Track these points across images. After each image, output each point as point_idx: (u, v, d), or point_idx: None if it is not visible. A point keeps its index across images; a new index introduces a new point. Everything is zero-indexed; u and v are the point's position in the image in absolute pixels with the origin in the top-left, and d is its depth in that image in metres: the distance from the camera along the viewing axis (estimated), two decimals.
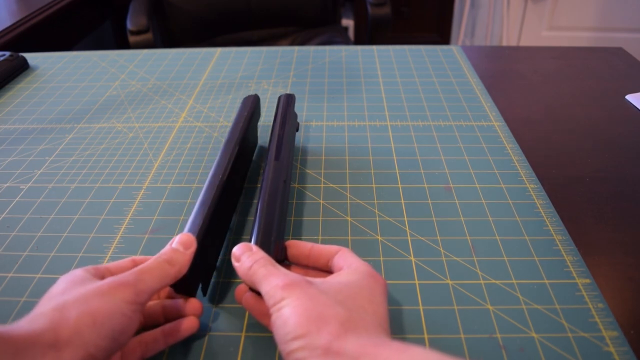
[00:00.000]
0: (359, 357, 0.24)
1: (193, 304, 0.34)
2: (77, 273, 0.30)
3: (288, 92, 0.68)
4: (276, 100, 0.66)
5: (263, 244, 0.34)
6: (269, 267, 0.31)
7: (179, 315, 0.34)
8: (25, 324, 0.26)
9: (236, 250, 0.33)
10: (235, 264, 0.32)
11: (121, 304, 0.28)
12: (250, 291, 0.34)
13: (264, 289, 0.29)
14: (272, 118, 0.51)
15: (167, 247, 0.33)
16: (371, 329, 0.26)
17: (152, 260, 0.32)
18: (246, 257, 0.32)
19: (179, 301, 0.34)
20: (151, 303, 0.34)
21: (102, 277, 0.31)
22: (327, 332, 0.25)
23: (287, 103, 0.52)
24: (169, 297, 0.35)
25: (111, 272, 0.32)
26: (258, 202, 0.39)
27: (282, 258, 0.36)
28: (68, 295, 0.28)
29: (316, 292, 0.28)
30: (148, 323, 0.34)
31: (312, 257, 0.35)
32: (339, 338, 0.25)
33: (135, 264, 0.34)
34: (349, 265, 0.32)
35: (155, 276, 0.30)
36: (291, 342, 0.26)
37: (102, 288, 0.28)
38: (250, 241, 0.35)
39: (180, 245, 0.33)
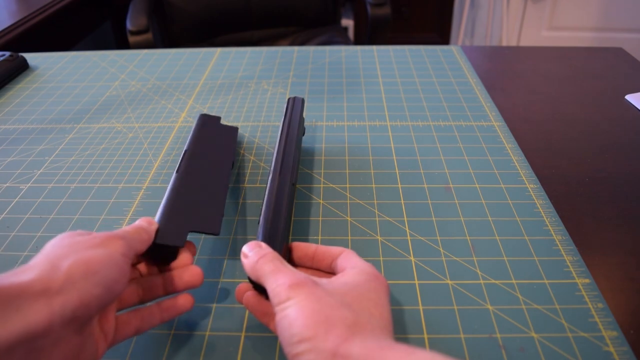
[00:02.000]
0: None
1: (192, 270, 0.35)
2: (67, 233, 0.31)
3: (288, 92, 0.68)
4: (276, 101, 0.66)
5: (270, 245, 0.34)
6: (276, 262, 0.31)
7: (179, 285, 0.34)
8: (12, 276, 0.25)
9: (245, 247, 0.33)
10: (243, 260, 0.32)
11: (114, 254, 0.29)
12: (252, 290, 0.34)
13: (270, 285, 0.29)
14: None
15: (134, 223, 0.35)
16: (377, 331, 0.26)
17: (127, 227, 0.33)
18: (254, 252, 0.32)
19: (179, 270, 0.35)
20: (150, 276, 0.35)
21: None
22: (335, 336, 0.25)
23: (297, 106, 0.52)
24: (170, 269, 0.35)
25: None
26: (263, 203, 0.39)
27: (287, 260, 0.36)
28: (58, 248, 0.28)
29: (323, 293, 0.28)
30: (147, 297, 0.34)
31: (316, 259, 0.35)
32: (346, 341, 0.25)
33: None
34: (352, 266, 0.32)
35: (136, 238, 0.32)
36: (297, 345, 0.25)
37: (95, 240, 0.29)
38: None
39: (144, 222, 0.35)
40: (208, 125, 0.52)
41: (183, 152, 0.45)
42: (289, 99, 0.53)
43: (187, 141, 0.48)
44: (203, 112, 0.60)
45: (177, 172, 0.42)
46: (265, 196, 0.39)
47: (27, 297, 0.24)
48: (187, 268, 0.35)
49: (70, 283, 0.26)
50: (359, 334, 0.25)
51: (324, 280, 0.30)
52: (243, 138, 0.57)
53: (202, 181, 0.42)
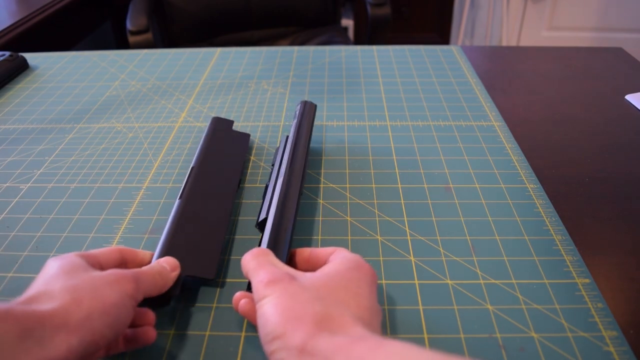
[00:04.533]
0: (332, 355, 0.24)
1: (150, 334, 0.32)
2: (71, 258, 0.30)
3: (288, 92, 0.68)
4: (276, 101, 0.66)
5: (275, 254, 0.34)
6: (260, 258, 0.31)
7: (133, 343, 0.32)
8: (31, 303, 0.26)
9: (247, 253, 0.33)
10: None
11: (125, 296, 0.29)
12: (247, 297, 0.34)
13: (253, 282, 0.30)
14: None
15: (156, 262, 0.34)
16: (349, 323, 0.26)
17: (146, 267, 0.33)
18: (248, 252, 0.32)
19: (140, 329, 0.33)
20: None
21: (97, 266, 0.32)
22: (302, 332, 0.25)
23: (309, 112, 0.52)
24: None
25: (99, 261, 0.32)
26: (270, 211, 0.39)
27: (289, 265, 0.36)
28: (76, 280, 0.28)
29: (297, 288, 0.28)
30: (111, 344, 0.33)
31: (311, 261, 0.35)
32: (313, 337, 0.25)
33: (121, 254, 0.34)
34: (339, 258, 0.32)
35: (150, 282, 0.31)
36: (271, 343, 0.26)
37: (110, 278, 0.29)
38: (258, 244, 0.36)
39: (167, 265, 0.34)
40: (219, 131, 0.52)
41: (190, 168, 0.45)
42: (301, 103, 0.53)
43: (197, 151, 0.48)
44: (213, 115, 0.60)
45: (180, 197, 0.42)
46: (274, 203, 0.39)
47: (48, 329, 0.25)
48: (146, 329, 0.32)
49: (89, 321, 0.26)
50: (328, 329, 0.25)
51: (307, 275, 0.30)
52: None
53: (204, 211, 0.42)
